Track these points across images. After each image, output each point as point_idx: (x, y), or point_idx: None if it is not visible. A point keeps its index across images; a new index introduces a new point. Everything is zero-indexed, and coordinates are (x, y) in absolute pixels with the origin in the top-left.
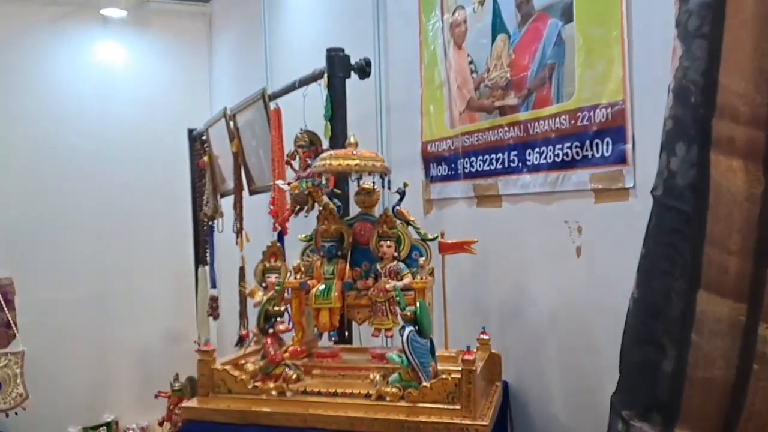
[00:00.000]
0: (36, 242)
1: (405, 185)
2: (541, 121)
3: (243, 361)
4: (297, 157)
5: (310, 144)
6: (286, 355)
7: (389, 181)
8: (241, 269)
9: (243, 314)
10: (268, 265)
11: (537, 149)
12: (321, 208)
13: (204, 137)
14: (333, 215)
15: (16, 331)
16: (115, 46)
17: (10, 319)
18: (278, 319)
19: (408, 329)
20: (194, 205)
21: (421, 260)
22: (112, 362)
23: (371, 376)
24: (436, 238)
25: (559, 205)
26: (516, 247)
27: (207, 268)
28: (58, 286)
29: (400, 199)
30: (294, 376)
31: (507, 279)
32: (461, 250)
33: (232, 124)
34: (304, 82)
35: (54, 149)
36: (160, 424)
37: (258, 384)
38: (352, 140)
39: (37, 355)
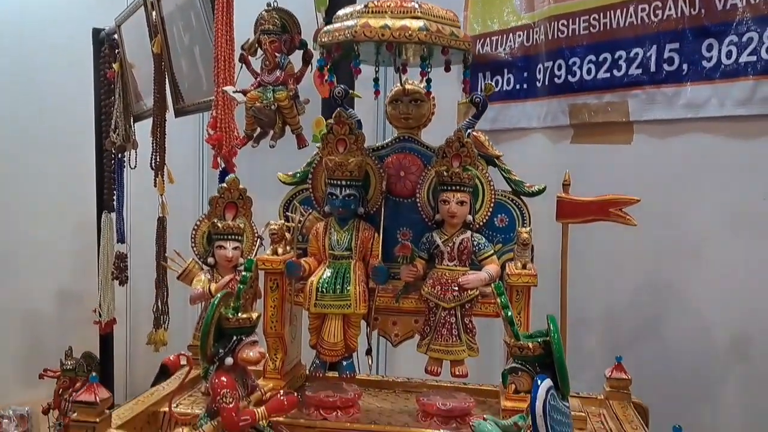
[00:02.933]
0: None
1: (488, 88)
2: None
3: (169, 415)
4: (259, 51)
5: (282, 29)
6: (260, 412)
7: (467, 70)
8: (161, 221)
9: (161, 285)
10: (220, 224)
11: (731, 37)
12: (324, 128)
13: (115, 38)
14: (356, 137)
15: None
16: None
17: None
18: (244, 337)
19: (545, 385)
20: (98, 132)
21: (524, 232)
22: None
23: None
24: (543, 190)
25: None
26: (666, 219)
27: (113, 215)
28: None
29: (478, 115)
30: None
31: (647, 275)
32: (604, 217)
33: (154, 14)
34: None
35: None
36: (45, 412)
37: None
38: None
39: None
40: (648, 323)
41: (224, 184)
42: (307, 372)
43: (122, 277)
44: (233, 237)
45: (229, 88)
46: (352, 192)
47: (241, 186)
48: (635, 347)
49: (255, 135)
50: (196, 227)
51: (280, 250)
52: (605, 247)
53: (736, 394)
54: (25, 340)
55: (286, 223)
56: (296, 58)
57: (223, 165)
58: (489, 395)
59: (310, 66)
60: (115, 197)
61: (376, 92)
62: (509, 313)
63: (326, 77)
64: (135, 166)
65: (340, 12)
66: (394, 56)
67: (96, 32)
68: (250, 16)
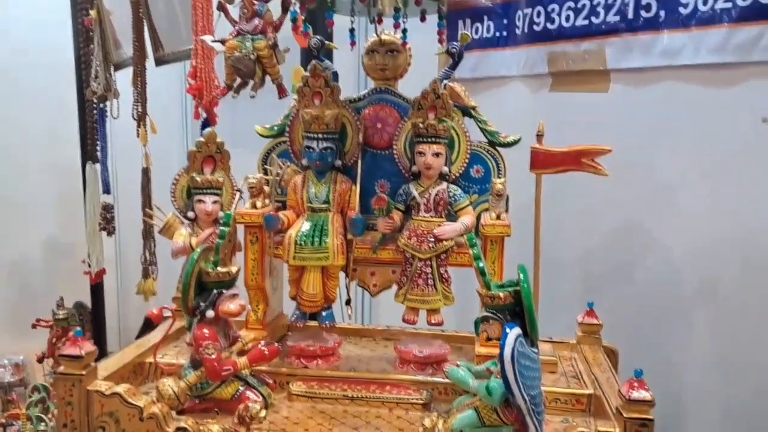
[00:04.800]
0: None
1: (464, 38)
2: None
3: (154, 365)
4: None
5: None
6: (242, 362)
7: (442, 21)
8: (145, 172)
9: (148, 235)
10: (199, 178)
11: None
12: (300, 80)
13: None
14: (332, 89)
15: None
16: None
17: None
18: (224, 290)
19: (513, 333)
20: (79, 81)
21: (498, 183)
22: None
23: (415, 410)
24: (518, 141)
25: (746, 88)
26: (641, 166)
27: (98, 166)
28: None
29: (454, 66)
30: (258, 410)
31: (620, 221)
32: (577, 167)
33: None
34: None
35: None
36: (39, 360)
37: (186, 425)
38: None
39: None
40: (620, 268)
41: (202, 138)
42: (289, 322)
43: (109, 228)
44: (212, 191)
45: (207, 38)
46: (328, 145)
47: (218, 139)
48: (607, 291)
49: (235, 85)
50: (175, 182)
51: (258, 204)
52: (581, 195)
53: (704, 334)
54: (15, 291)
55: (264, 177)
56: (275, 6)
57: (204, 115)
58: (466, 341)
59: (289, 13)
60: (98, 147)
61: (352, 43)
62: (481, 264)
63: (301, 28)
64: (117, 116)
65: None
66: (369, 6)
67: None
68: None
